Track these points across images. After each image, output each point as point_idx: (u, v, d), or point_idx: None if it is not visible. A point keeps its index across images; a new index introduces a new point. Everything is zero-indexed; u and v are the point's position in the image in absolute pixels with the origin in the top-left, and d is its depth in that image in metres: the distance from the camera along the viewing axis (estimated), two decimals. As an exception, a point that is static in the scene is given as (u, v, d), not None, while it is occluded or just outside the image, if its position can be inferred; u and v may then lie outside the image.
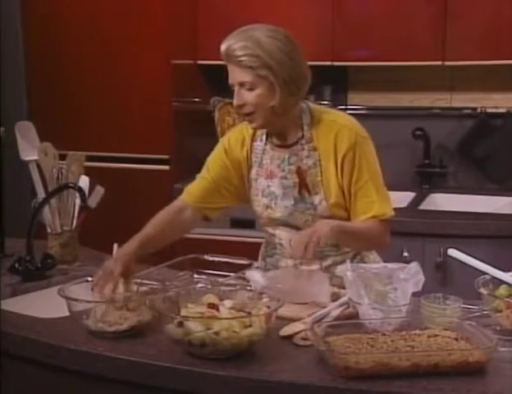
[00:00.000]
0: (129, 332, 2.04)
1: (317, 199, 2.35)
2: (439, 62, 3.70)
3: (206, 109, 4.01)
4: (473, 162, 3.97)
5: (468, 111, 3.93)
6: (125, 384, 1.94)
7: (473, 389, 1.71)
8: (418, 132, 3.93)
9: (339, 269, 2.35)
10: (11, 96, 3.98)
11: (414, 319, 1.99)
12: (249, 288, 2.12)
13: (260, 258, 2.56)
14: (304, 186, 2.36)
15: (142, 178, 3.90)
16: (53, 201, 2.71)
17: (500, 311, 2.00)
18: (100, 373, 1.97)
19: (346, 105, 4.08)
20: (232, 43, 2.23)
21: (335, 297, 2.17)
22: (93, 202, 2.76)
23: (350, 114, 2.45)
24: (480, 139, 3.91)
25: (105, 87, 3.90)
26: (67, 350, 2.01)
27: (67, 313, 2.11)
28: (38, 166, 2.75)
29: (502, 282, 2.08)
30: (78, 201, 2.70)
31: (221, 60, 2.29)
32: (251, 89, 2.24)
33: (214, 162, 2.48)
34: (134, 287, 2.19)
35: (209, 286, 2.18)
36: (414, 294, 2.06)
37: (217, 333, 1.85)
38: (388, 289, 2.06)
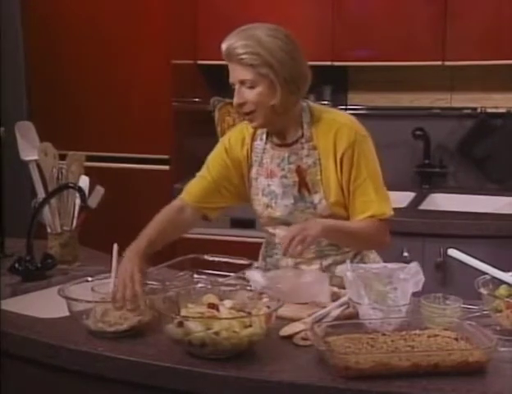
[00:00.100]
0: (129, 332, 2.04)
1: (316, 197, 2.35)
2: (439, 62, 3.70)
3: (206, 109, 4.01)
4: (473, 162, 3.97)
5: (468, 111, 3.93)
6: (125, 384, 1.94)
7: (473, 389, 1.71)
8: (418, 132, 3.93)
9: (339, 269, 2.35)
10: (11, 96, 3.98)
11: (414, 319, 1.99)
12: (249, 288, 2.12)
13: (260, 258, 2.56)
14: (303, 185, 2.36)
15: (142, 178, 3.90)
16: (53, 201, 2.71)
17: (500, 311, 2.00)
18: (100, 373, 1.97)
19: (346, 105, 4.08)
20: (233, 42, 2.24)
21: (335, 297, 2.17)
22: (93, 202, 2.76)
23: (350, 114, 2.45)
24: (480, 139, 3.91)
25: (105, 87, 3.90)
26: (67, 350, 2.01)
27: (67, 313, 2.11)
28: (38, 166, 2.74)
29: (502, 282, 2.08)
30: (78, 201, 2.70)
31: (222, 60, 2.30)
32: (252, 88, 2.24)
33: (215, 161, 2.48)
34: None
35: (209, 286, 2.18)
36: (414, 294, 2.06)
37: (217, 333, 1.85)
38: (388, 289, 2.06)
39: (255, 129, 2.40)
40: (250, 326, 1.89)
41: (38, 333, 2.09)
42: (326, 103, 3.86)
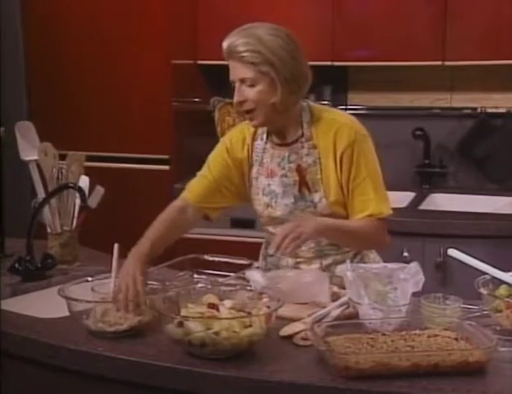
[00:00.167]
0: (129, 332, 2.04)
1: (317, 196, 2.35)
2: (439, 62, 3.70)
3: (206, 109, 4.01)
4: (473, 162, 3.97)
5: (468, 111, 3.93)
6: (125, 384, 1.94)
7: (473, 389, 1.71)
8: (418, 132, 3.93)
9: (339, 269, 2.35)
10: (11, 96, 3.98)
11: (414, 319, 1.99)
12: (249, 288, 2.12)
13: (261, 257, 2.56)
14: (303, 184, 2.36)
15: (142, 178, 3.90)
16: (53, 201, 2.71)
17: (500, 311, 2.00)
18: (100, 373, 1.97)
19: (346, 105, 4.08)
20: (234, 40, 2.24)
21: (335, 297, 2.17)
22: (93, 202, 2.76)
23: (350, 114, 2.45)
24: (480, 139, 3.91)
25: (105, 87, 3.90)
26: (67, 350, 2.01)
27: (67, 313, 2.11)
28: (38, 166, 2.75)
29: (502, 282, 2.08)
30: (78, 201, 2.70)
31: (222, 60, 2.30)
32: (252, 86, 2.24)
33: (216, 160, 2.48)
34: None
35: (209, 286, 2.18)
36: (414, 294, 2.06)
37: (217, 333, 1.85)
38: (388, 289, 2.06)
39: (255, 128, 2.40)
40: (250, 326, 1.89)
41: (38, 333, 2.09)
42: (326, 102, 3.85)
